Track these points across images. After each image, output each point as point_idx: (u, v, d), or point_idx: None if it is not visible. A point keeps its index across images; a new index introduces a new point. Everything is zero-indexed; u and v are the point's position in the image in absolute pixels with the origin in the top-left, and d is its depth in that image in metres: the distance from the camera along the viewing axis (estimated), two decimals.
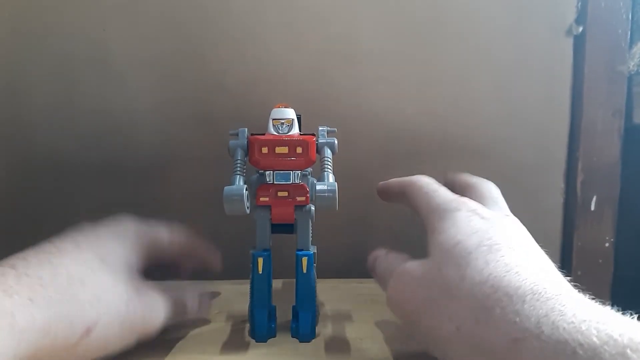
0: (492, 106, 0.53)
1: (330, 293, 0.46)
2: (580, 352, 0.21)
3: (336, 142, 0.39)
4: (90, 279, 0.30)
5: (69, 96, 0.52)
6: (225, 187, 0.35)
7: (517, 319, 0.24)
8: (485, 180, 0.38)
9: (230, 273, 0.46)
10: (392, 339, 0.37)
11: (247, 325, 0.39)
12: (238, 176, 0.36)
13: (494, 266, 0.27)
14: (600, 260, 0.53)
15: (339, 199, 0.35)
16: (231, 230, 0.49)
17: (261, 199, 0.36)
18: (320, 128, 0.39)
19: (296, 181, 0.36)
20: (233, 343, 0.37)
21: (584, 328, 0.22)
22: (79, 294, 0.29)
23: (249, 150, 0.37)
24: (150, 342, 0.34)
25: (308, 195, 0.36)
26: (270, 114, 0.37)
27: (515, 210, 0.53)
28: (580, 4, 0.51)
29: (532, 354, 0.23)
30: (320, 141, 0.38)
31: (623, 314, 0.23)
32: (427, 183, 0.36)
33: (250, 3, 0.51)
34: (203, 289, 0.42)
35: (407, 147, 0.53)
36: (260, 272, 0.37)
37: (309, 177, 0.38)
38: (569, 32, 0.52)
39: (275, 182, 0.36)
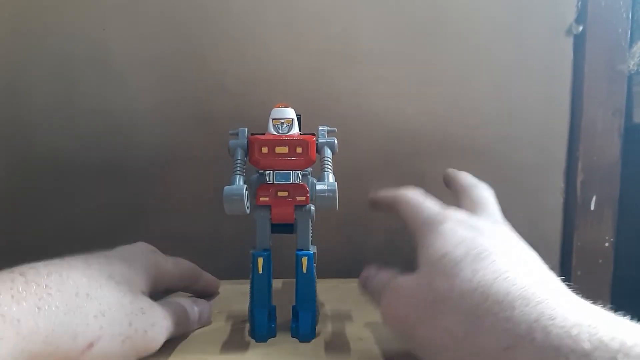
0: (492, 106, 0.53)
1: (330, 293, 0.46)
2: (572, 358, 0.21)
3: (336, 142, 0.39)
4: (97, 293, 0.31)
5: (69, 96, 0.52)
6: (225, 187, 0.35)
7: (509, 326, 0.24)
8: (479, 184, 0.38)
9: (230, 273, 0.46)
10: (392, 339, 0.37)
11: (247, 325, 0.39)
12: (238, 176, 0.36)
13: (482, 274, 0.27)
14: (600, 260, 0.53)
15: (339, 198, 0.35)
16: (231, 230, 0.49)
17: (261, 198, 0.36)
18: (320, 128, 0.39)
19: (296, 181, 0.36)
20: (233, 343, 0.37)
21: (574, 333, 0.22)
22: (84, 307, 0.30)
23: (249, 150, 0.37)
24: None
25: (308, 195, 0.36)
26: (270, 114, 0.37)
27: (515, 210, 0.53)
28: (580, 3, 0.51)
29: None
30: (320, 141, 0.38)
31: (616, 313, 0.23)
32: (413, 197, 0.36)
33: (250, 3, 0.51)
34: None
35: (407, 147, 0.53)
36: (260, 272, 0.36)
37: (309, 177, 0.38)
38: (569, 31, 0.52)
39: (275, 182, 0.36)
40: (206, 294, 0.44)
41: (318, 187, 0.35)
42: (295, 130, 0.37)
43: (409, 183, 0.52)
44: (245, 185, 0.36)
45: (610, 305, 0.24)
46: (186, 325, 0.37)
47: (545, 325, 0.23)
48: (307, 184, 0.37)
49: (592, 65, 0.51)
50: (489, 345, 0.25)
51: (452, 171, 0.40)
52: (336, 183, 0.36)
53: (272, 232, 0.37)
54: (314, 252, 0.38)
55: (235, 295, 0.45)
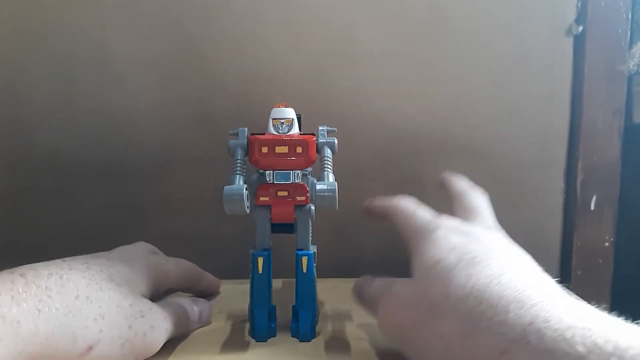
0: (492, 106, 0.53)
1: (330, 293, 0.46)
2: None
3: (336, 141, 0.38)
4: (97, 296, 0.31)
5: (69, 96, 0.52)
6: (225, 187, 0.35)
7: (503, 330, 0.24)
8: (472, 189, 0.38)
9: (230, 273, 0.46)
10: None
11: (247, 325, 0.39)
12: (238, 176, 0.36)
13: (475, 279, 0.27)
14: (600, 260, 0.53)
15: (339, 198, 0.35)
16: (231, 230, 0.49)
17: (261, 198, 0.36)
18: (320, 128, 0.39)
19: (296, 181, 0.36)
20: (233, 343, 0.37)
21: (569, 336, 0.22)
22: (84, 310, 0.30)
23: (249, 149, 0.37)
24: None
25: (308, 194, 0.36)
26: (270, 114, 0.37)
27: (515, 210, 0.54)
28: (580, 3, 0.51)
29: None
30: (320, 141, 0.38)
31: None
32: (406, 206, 0.37)
33: (250, 3, 0.51)
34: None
35: (407, 146, 0.53)
36: (260, 272, 0.36)
37: (309, 176, 0.38)
38: (569, 31, 0.52)
39: (275, 182, 0.36)
40: (207, 295, 0.44)
41: (318, 187, 0.35)
42: (295, 130, 0.37)
43: (409, 183, 0.53)
44: (245, 185, 0.36)
45: (610, 306, 0.24)
46: (186, 325, 0.37)
47: (539, 328, 0.23)
48: (307, 184, 0.37)
49: (592, 66, 0.51)
50: (485, 349, 0.25)
51: (447, 175, 0.41)
52: (336, 183, 0.36)
53: (272, 231, 0.37)
54: (314, 252, 0.38)
55: (235, 295, 0.45)
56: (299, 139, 0.36)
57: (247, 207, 0.35)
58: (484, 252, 0.29)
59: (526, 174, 0.54)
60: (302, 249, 0.37)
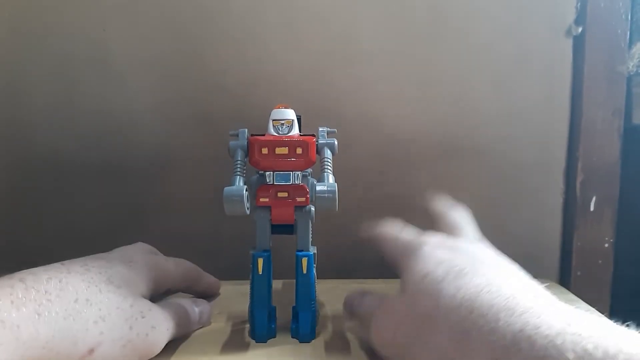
0: (492, 106, 0.53)
1: (330, 293, 0.46)
2: None
3: (336, 142, 0.39)
4: (96, 298, 0.31)
5: (69, 96, 0.52)
6: (225, 188, 0.35)
7: (494, 338, 0.24)
8: (453, 208, 0.39)
9: (230, 273, 0.46)
10: None
11: (247, 326, 0.39)
12: (238, 177, 0.36)
13: (465, 290, 0.27)
14: (600, 261, 0.53)
15: (338, 199, 0.35)
16: (231, 230, 0.49)
17: (261, 199, 0.36)
18: (320, 129, 0.39)
19: (296, 182, 0.36)
20: (233, 343, 0.37)
21: (559, 342, 0.22)
22: (84, 312, 0.30)
23: (249, 150, 0.37)
24: None
25: (308, 195, 0.36)
26: (270, 115, 0.37)
27: (515, 210, 0.54)
28: (579, 4, 0.51)
29: None
30: (320, 142, 0.38)
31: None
32: (389, 232, 0.38)
33: (250, 3, 0.51)
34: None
35: (407, 147, 0.53)
36: (260, 273, 0.37)
37: (309, 177, 0.38)
38: (568, 32, 0.52)
39: (275, 183, 0.36)
40: (207, 295, 0.44)
41: (318, 187, 0.35)
42: (295, 131, 0.37)
43: (409, 183, 0.53)
44: (245, 186, 0.36)
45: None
46: (187, 325, 0.37)
47: (529, 335, 0.23)
48: (307, 185, 0.37)
49: (591, 66, 0.51)
50: (477, 359, 0.25)
51: (428, 198, 0.41)
52: (336, 184, 0.36)
53: (272, 232, 0.37)
54: (314, 253, 0.38)
55: (235, 295, 0.45)
56: (299, 140, 0.36)
57: (247, 208, 0.35)
58: (471, 264, 0.30)
59: (526, 174, 0.54)
60: (302, 250, 0.37)
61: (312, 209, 0.38)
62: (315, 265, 0.38)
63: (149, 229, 0.53)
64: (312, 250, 0.38)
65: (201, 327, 0.39)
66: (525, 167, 0.53)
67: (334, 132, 0.39)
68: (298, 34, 0.51)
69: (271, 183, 0.36)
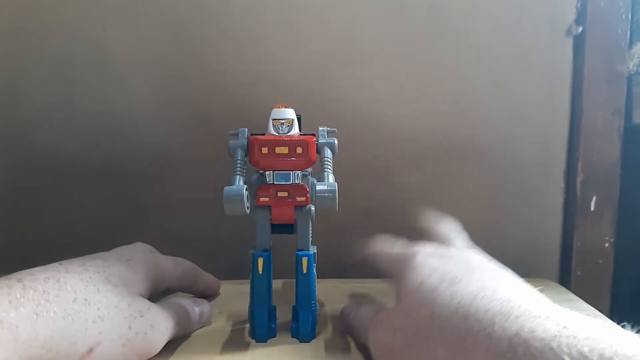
0: (492, 106, 0.53)
1: (330, 293, 0.46)
2: None
3: (336, 142, 0.39)
4: (95, 298, 0.31)
5: (69, 96, 0.52)
6: (225, 187, 0.35)
7: (490, 344, 0.24)
8: (441, 220, 0.40)
9: (230, 273, 0.46)
10: None
11: (247, 326, 0.39)
12: (238, 176, 0.36)
13: (459, 297, 0.27)
14: (600, 261, 0.53)
15: (339, 199, 0.35)
16: (231, 230, 0.49)
17: (261, 199, 0.36)
18: (320, 128, 0.39)
19: (296, 181, 0.36)
20: (233, 343, 0.37)
21: (555, 345, 0.22)
22: (83, 312, 0.30)
23: (249, 150, 0.37)
24: None
25: (308, 195, 0.36)
26: (270, 114, 0.37)
27: (515, 210, 0.54)
28: (579, 4, 0.51)
29: None
30: (320, 141, 0.38)
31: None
32: (380, 249, 0.38)
33: (250, 3, 0.51)
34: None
35: (407, 146, 0.53)
36: (260, 272, 0.36)
37: (309, 177, 0.38)
38: (568, 32, 0.52)
39: (275, 182, 0.36)
40: (207, 295, 0.44)
41: (318, 187, 0.35)
42: (295, 130, 0.37)
43: (409, 183, 0.53)
44: (245, 186, 0.36)
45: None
46: (187, 325, 0.37)
47: (525, 339, 0.23)
48: (307, 184, 0.37)
49: (591, 66, 0.51)
50: None
51: (416, 215, 0.41)
52: (336, 183, 0.36)
53: (272, 232, 0.37)
54: (314, 253, 0.38)
55: (235, 295, 0.45)
56: (299, 140, 0.36)
57: (247, 208, 0.35)
58: (464, 271, 0.30)
59: (526, 174, 0.54)
60: (302, 250, 0.37)
61: (312, 208, 0.38)
62: (315, 264, 0.38)
63: (148, 229, 0.53)
64: (312, 249, 0.38)
65: (201, 327, 0.39)
66: (525, 167, 0.53)
67: (334, 131, 0.39)
68: (298, 34, 0.51)
69: (271, 182, 0.36)
